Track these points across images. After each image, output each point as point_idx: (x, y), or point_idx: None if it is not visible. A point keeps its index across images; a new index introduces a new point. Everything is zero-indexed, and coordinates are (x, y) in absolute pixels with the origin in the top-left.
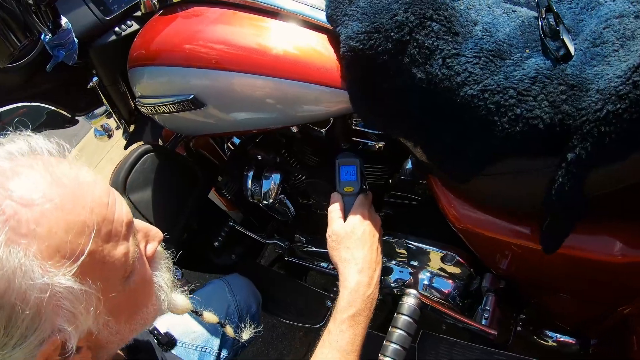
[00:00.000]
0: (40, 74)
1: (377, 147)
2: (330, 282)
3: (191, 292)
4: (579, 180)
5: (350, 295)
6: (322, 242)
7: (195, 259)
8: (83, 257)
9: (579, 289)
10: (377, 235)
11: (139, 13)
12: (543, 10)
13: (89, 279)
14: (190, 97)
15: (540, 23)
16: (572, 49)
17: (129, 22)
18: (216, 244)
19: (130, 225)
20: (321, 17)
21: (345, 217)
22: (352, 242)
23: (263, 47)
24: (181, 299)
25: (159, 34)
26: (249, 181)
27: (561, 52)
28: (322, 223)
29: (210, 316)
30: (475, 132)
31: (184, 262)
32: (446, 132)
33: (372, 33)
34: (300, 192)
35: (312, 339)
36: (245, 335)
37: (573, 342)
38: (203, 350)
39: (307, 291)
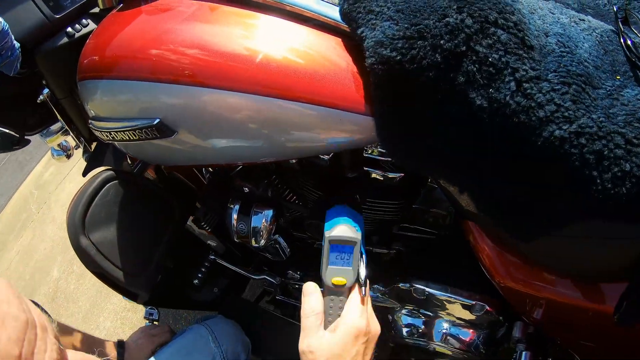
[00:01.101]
0: None
1: (392, 178)
2: None
3: (164, 343)
4: None
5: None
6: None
7: (172, 297)
8: None
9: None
10: (371, 353)
11: (96, 9)
12: (620, 23)
13: None
14: (156, 122)
15: (622, 40)
16: None
17: (84, 20)
18: (196, 281)
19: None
20: (334, 14)
21: (328, 323)
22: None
23: (252, 54)
24: None
25: (117, 36)
26: (234, 217)
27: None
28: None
29: None
30: (559, 188)
31: (159, 300)
32: (515, 184)
33: (413, 39)
34: (294, 224)
35: None
36: None
37: None
38: None
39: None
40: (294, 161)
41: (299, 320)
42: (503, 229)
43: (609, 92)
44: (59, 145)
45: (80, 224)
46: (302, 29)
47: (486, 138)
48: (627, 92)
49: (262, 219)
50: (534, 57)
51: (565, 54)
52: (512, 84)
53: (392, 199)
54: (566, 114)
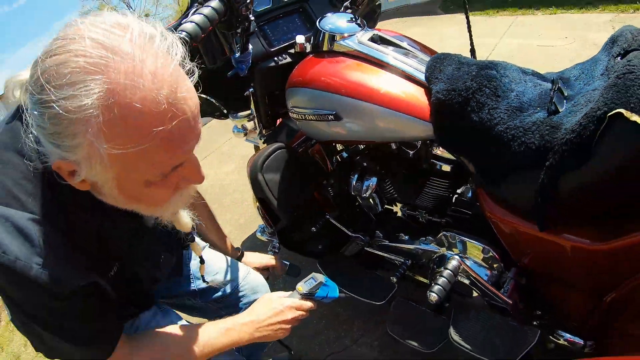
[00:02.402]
0: (218, 76)
1: (447, 168)
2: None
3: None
4: (554, 180)
5: (243, 326)
6: (396, 239)
7: (293, 240)
8: (136, 148)
9: (574, 277)
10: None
11: (292, 50)
12: (555, 87)
13: (122, 162)
14: (334, 112)
15: (551, 93)
16: (560, 108)
17: (284, 55)
18: (313, 229)
19: (184, 159)
20: (421, 76)
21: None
22: (273, 318)
23: (381, 86)
24: (186, 218)
25: (312, 68)
26: (354, 181)
27: (552, 108)
28: (398, 224)
29: None
30: (500, 151)
31: (285, 237)
32: (484, 151)
33: (451, 91)
34: (386, 198)
35: (368, 325)
36: None
37: (581, 342)
38: None
39: (377, 277)
40: (394, 146)
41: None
42: (480, 174)
43: (529, 114)
44: (242, 125)
45: (260, 166)
46: (406, 81)
47: (478, 133)
48: (538, 114)
49: (369, 183)
50: (498, 100)
51: (515, 99)
52: (486, 110)
53: (446, 179)
54: (504, 121)
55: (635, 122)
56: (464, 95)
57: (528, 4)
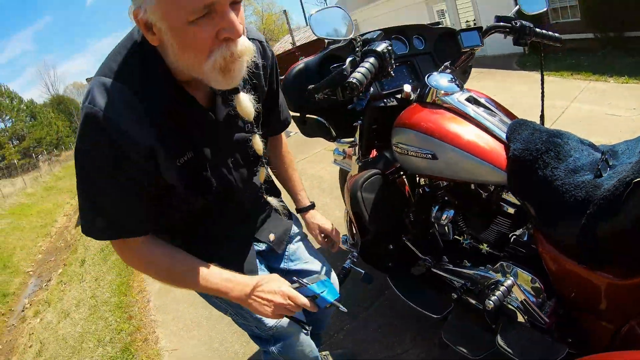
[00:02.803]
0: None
1: (511, 210)
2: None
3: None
4: (592, 226)
5: (239, 284)
6: (459, 265)
7: (372, 253)
8: None
9: (602, 306)
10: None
11: (399, 96)
12: (603, 157)
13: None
14: (432, 152)
15: (599, 162)
16: (603, 174)
17: (392, 99)
18: (391, 246)
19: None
20: (502, 134)
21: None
22: (265, 294)
23: (470, 138)
24: (248, 103)
25: (418, 114)
26: (435, 210)
27: (598, 173)
28: (462, 252)
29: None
30: (555, 201)
31: (362, 252)
32: (544, 199)
33: (524, 150)
34: (457, 228)
35: (421, 341)
36: None
37: None
38: None
39: (437, 294)
40: (473, 187)
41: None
42: (538, 217)
43: (580, 175)
44: (343, 149)
45: (360, 185)
46: (488, 135)
47: (541, 184)
48: (587, 176)
49: (446, 214)
50: (559, 162)
51: (571, 162)
52: (550, 169)
53: (508, 219)
54: (561, 178)
55: None
56: (534, 155)
57: (602, 70)
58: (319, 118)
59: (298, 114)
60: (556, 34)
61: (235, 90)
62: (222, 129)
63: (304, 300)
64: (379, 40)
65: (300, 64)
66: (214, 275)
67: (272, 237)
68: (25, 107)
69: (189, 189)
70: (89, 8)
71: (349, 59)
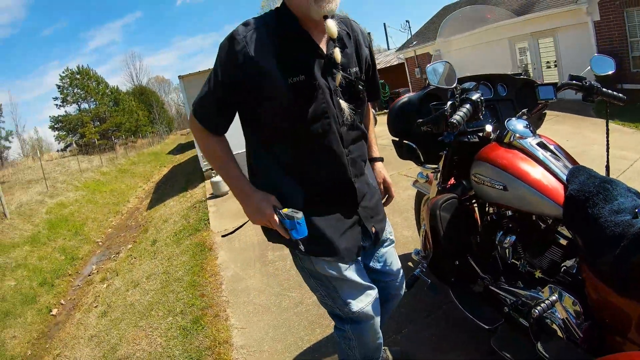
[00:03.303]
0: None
1: (564, 242)
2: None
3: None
4: (626, 258)
5: (246, 186)
6: (513, 285)
7: (436, 268)
8: None
9: (631, 329)
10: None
11: (481, 134)
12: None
13: None
14: (503, 185)
15: (637, 208)
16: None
17: (474, 136)
18: (457, 262)
19: None
20: (563, 176)
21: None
22: (258, 209)
23: (537, 176)
24: (334, 28)
25: (496, 151)
26: (499, 235)
27: (635, 216)
28: (518, 274)
29: None
30: (599, 236)
31: (431, 264)
32: (590, 233)
33: (579, 191)
34: (515, 252)
35: (470, 350)
36: None
37: None
38: None
39: (491, 309)
40: (534, 217)
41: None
42: (589, 251)
43: (621, 215)
44: (426, 174)
45: (439, 205)
46: (552, 175)
47: (588, 220)
48: (626, 217)
49: (508, 238)
50: (606, 202)
51: (616, 204)
52: (597, 208)
53: (561, 249)
54: (605, 216)
55: None
56: (586, 195)
57: None
58: (413, 144)
59: (397, 139)
60: (620, 94)
61: (339, 40)
62: (329, 65)
63: (280, 229)
64: (474, 90)
65: (405, 98)
66: (232, 169)
67: (373, 229)
68: (110, 93)
69: (294, 105)
70: (178, 7)
71: (449, 102)
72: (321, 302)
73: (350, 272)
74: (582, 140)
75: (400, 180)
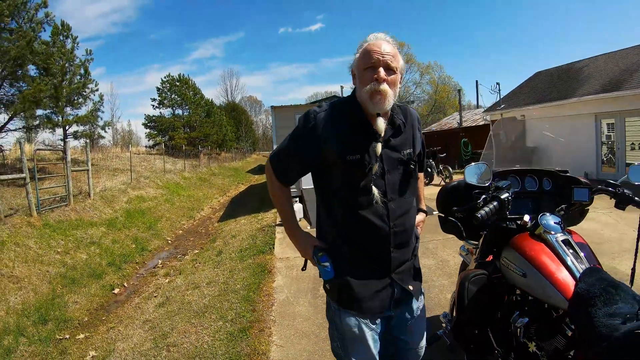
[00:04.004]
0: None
1: (569, 333)
2: None
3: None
4: (609, 358)
5: (294, 237)
6: None
7: (457, 334)
8: (359, 53)
9: None
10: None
11: (519, 222)
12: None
13: (357, 59)
14: (524, 272)
15: (633, 315)
16: (629, 323)
17: (512, 223)
18: (476, 331)
19: (370, 65)
20: (577, 273)
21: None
22: (303, 249)
23: (552, 269)
24: (382, 125)
25: (524, 242)
26: (515, 315)
27: (625, 322)
28: (527, 353)
29: None
30: (589, 333)
31: (452, 330)
32: (586, 329)
33: (585, 289)
34: (527, 333)
35: None
36: None
37: None
38: None
39: None
40: (546, 306)
41: None
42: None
43: (624, 308)
44: (467, 249)
45: (469, 278)
46: (567, 271)
47: (589, 323)
48: (617, 321)
49: (523, 320)
50: (609, 303)
51: (615, 299)
52: (594, 309)
53: (568, 329)
54: (600, 321)
55: None
56: (590, 295)
57: None
58: (457, 221)
59: (443, 215)
60: None
61: (398, 130)
62: (385, 148)
63: (314, 264)
64: (506, 190)
65: (455, 182)
66: (288, 222)
67: (411, 287)
68: (204, 104)
69: (348, 178)
70: (280, 35)
71: (483, 197)
72: (334, 351)
73: (367, 338)
74: (622, 231)
75: (457, 243)
